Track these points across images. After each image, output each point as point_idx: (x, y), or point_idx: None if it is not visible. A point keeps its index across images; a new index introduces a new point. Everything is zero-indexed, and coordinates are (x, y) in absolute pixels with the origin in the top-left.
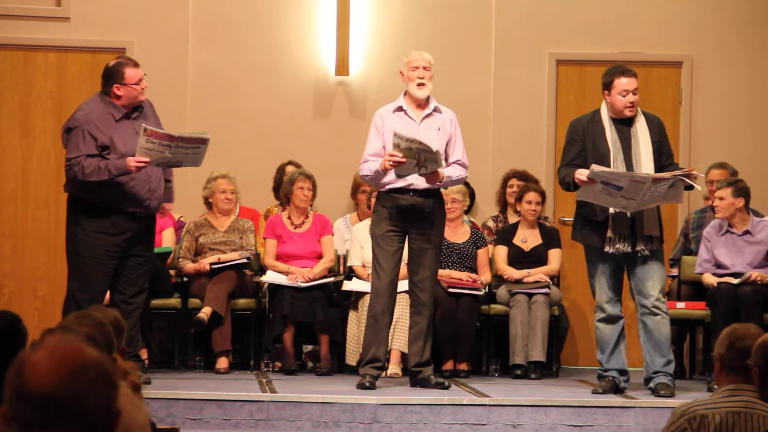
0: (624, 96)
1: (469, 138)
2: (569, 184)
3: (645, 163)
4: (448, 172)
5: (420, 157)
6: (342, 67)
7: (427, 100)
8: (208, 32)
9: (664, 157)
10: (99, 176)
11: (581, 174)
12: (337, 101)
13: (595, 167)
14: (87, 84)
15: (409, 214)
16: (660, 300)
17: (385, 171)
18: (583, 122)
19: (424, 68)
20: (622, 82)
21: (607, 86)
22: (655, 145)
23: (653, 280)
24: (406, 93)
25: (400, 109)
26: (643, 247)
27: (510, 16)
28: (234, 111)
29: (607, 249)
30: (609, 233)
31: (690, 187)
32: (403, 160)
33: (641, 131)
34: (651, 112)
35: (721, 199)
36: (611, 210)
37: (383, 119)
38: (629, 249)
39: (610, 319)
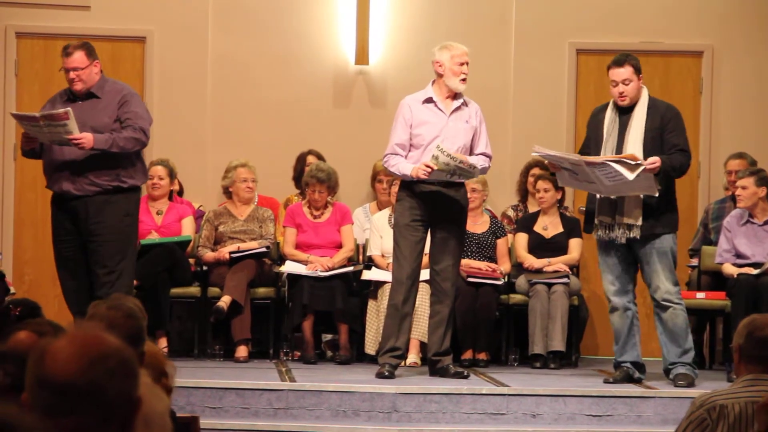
0: (614, 87)
1: (490, 127)
2: None
3: (631, 150)
4: (473, 161)
5: (455, 171)
6: (362, 56)
7: (457, 92)
8: (228, 21)
9: (667, 146)
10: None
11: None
12: (357, 90)
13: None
14: (108, 73)
15: (434, 204)
16: (669, 292)
17: (415, 178)
18: (596, 111)
19: (467, 63)
20: (612, 73)
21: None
22: (653, 133)
23: (658, 272)
24: (434, 82)
25: (429, 100)
26: (619, 235)
27: (530, 5)
28: (253, 100)
29: (594, 235)
30: (595, 220)
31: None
32: (434, 167)
33: (637, 119)
34: (665, 101)
35: (743, 188)
36: (598, 196)
37: (411, 110)
38: (609, 236)
39: (618, 310)
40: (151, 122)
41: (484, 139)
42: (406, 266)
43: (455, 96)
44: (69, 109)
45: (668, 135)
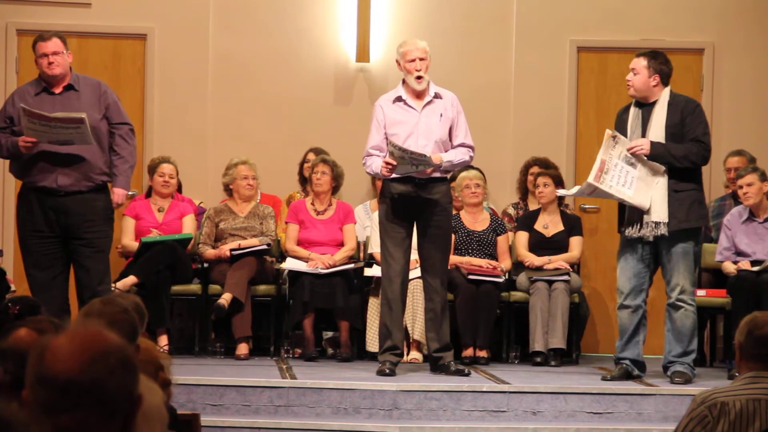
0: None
1: (490, 125)
2: None
3: None
4: (447, 157)
5: (413, 162)
6: (362, 54)
7: (427, 86)
8: (229, 18)
9: (686, 139)
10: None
11: None
12: (358, 88)
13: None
14: (109, 70)
15: (415, 201)
16: (684, 293)
17: (383, 176)
18: (620, 112)
19: (421, 59)
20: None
21: None
22: (673, 129)
23: (677, 272)
24: (404, 81)
25: (399, 98)
26: (647, 233)
27: (531, 3)
28: (254, 97)
29: (624, 232)
30: (626, 216)
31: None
32: (395, 163)
33: (657, 115)
34: (686, 96)
35: (749, 185)
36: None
37: (384, 111)
38: (636, 234)
39: (628, 308)
40: None
41: (462, 130)
42: (393, 264)
43: (425, 91)
44: (83, 115)
45: (687, 128)
